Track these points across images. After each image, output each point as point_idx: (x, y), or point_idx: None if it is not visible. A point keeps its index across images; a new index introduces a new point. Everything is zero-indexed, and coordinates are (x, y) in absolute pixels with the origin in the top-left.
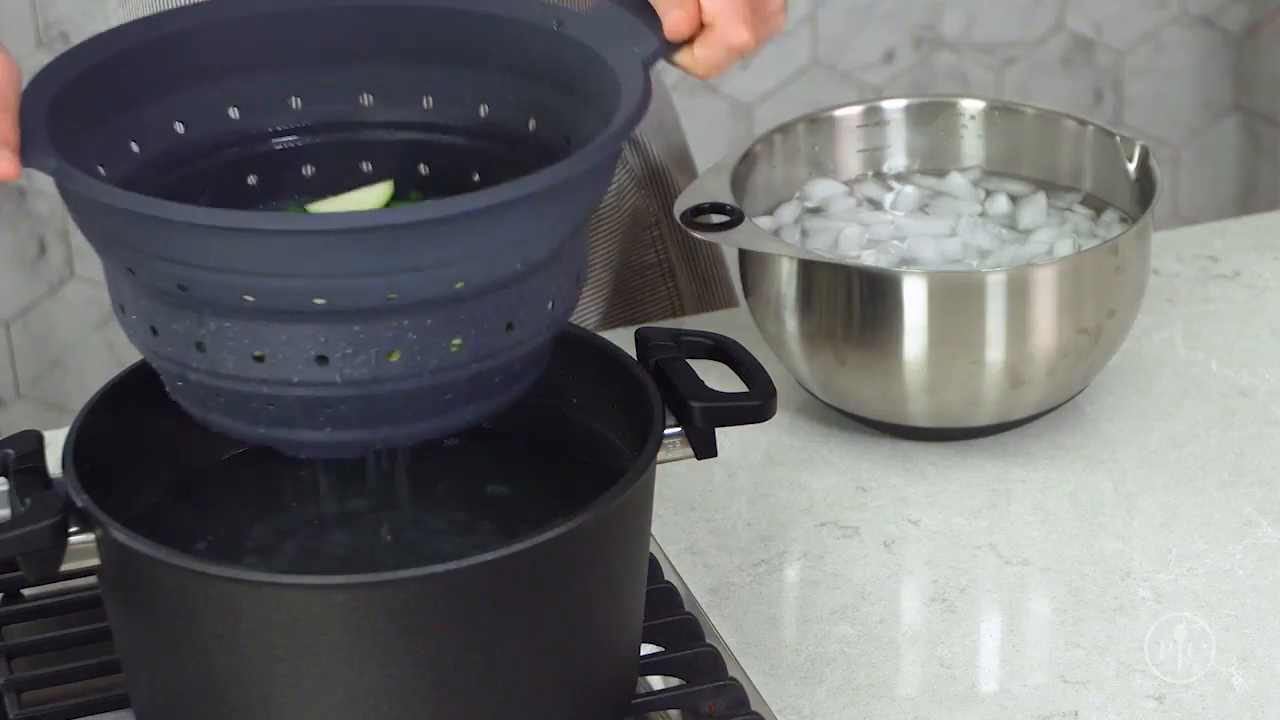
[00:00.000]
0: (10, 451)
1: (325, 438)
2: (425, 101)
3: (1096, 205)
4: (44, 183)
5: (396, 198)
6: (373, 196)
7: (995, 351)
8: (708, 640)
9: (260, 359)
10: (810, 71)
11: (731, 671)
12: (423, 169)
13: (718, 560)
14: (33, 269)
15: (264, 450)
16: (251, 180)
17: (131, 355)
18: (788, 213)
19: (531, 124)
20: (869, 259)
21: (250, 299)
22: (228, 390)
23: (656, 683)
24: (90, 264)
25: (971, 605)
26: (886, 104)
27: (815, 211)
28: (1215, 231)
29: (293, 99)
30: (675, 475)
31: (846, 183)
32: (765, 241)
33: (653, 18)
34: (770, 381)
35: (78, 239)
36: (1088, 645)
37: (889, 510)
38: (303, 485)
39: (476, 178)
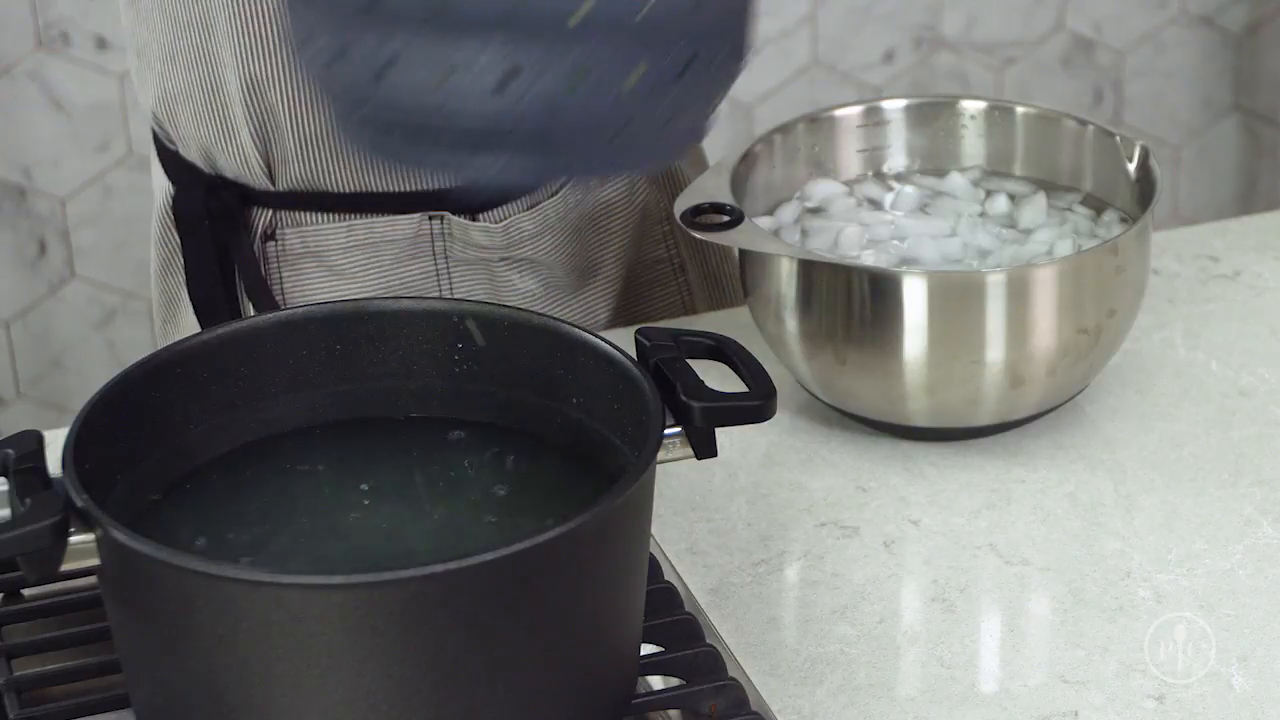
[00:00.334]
0: (10, 451)
1: (503, 165)
2: None
3: (1096, 205)
4: (44, 183)
5: None
6: None
7: (995, 351)
8: (708, 640)
9: (446, 79)
10: (810, 71)
11: (731, 671)
12: None
13: (718, 560)
14: (33, 269)
15: (264, 450)
16: None
17: (131, 355)
18: (788, 213)
19: None
20: (869, 259)
21: (441, 6)
22: (412, 112)
23: (656, 683)
24: (90, 264)
25: (971, 605)
26: (886, 104)
27: (815, 211)
28: (1215, 231)
29: None
30: (675, 475)
31: (846, 183)
32: (765, 241)
33: None
34: (770, 381)
35: (78, 239)
36: (1088, 645)
37: (889, 510)
38: (303, 485)
39: None
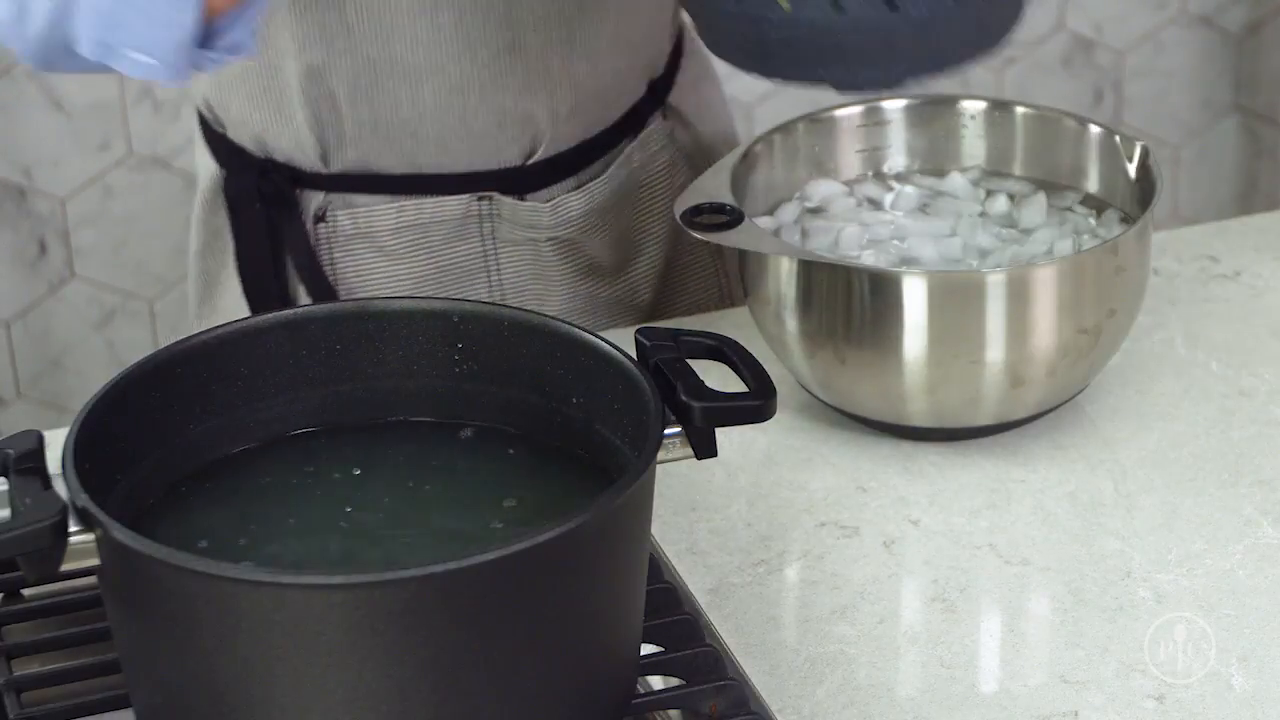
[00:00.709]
0: (10, 451)
1: (884, 74)
2: None
3: (1096, 205)
4: (44, 183)
5: None
6: None
7: (995, 351)
8: (708, 640)
9: (838, 5)
10: None
11: (731, 672)
12: None
13: (718, 560)
14: (33, 269)
15: (264, 450)
16: None
17: (131, 355)
18: (788, 213)
19: None
20: (869, 259)
21: None
22: (804, 38)
23: (656, 683)
24: (90, 264)
25: (971, 605)
26: (886, 104)
27: (815, 211)
28: (1215, 231)
29: None
30: (675, 475)
31: (846, 183)
32: (765, 241)
33: None
34: (770, 381)
35: (78, 239)
36: (1088, 645)
37: (889, 510)
38: (302, 485)
39: None
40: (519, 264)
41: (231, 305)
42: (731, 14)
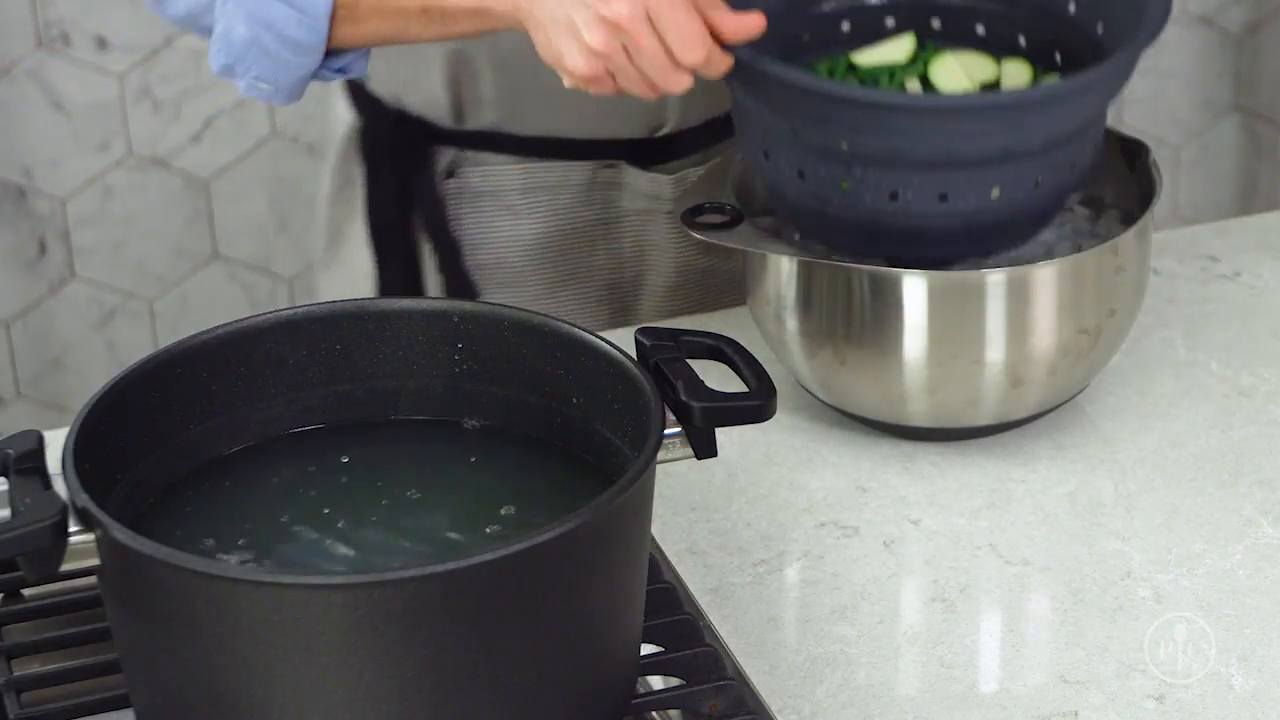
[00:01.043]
0: (10, 451)
1: (933, 253)
2: None
3: (1096, 205)
4: (44, 182)
5: (917, 47)
6: (901, 46)
7: (995, 351)
8: (708, 640)
9: (895, 197)
10: None
11: (731, 672)
12: (979, 29)
13: (718, 560)
14: (33, 269)
15: (264, 450)
16: (844, 28)
17: (131, 355)
18: None
19: (1071, 7)
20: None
21: (897, 148)
22: (863, 220)
23: (656, 683)
24: (90, 264)
25: (971, 605)
26: None
27: None
28: (1215, 231)
29: None
30: (675, 475)
31: None
32: (765, 242)
33: None
34: (770, 381)
35: (78, 239)
36: (1088, 645)
37: (889, 510)
38: (302, 484)
39: (1022, 41)
40: (637, 232)
41: (356, 255)
42: (798, 189)
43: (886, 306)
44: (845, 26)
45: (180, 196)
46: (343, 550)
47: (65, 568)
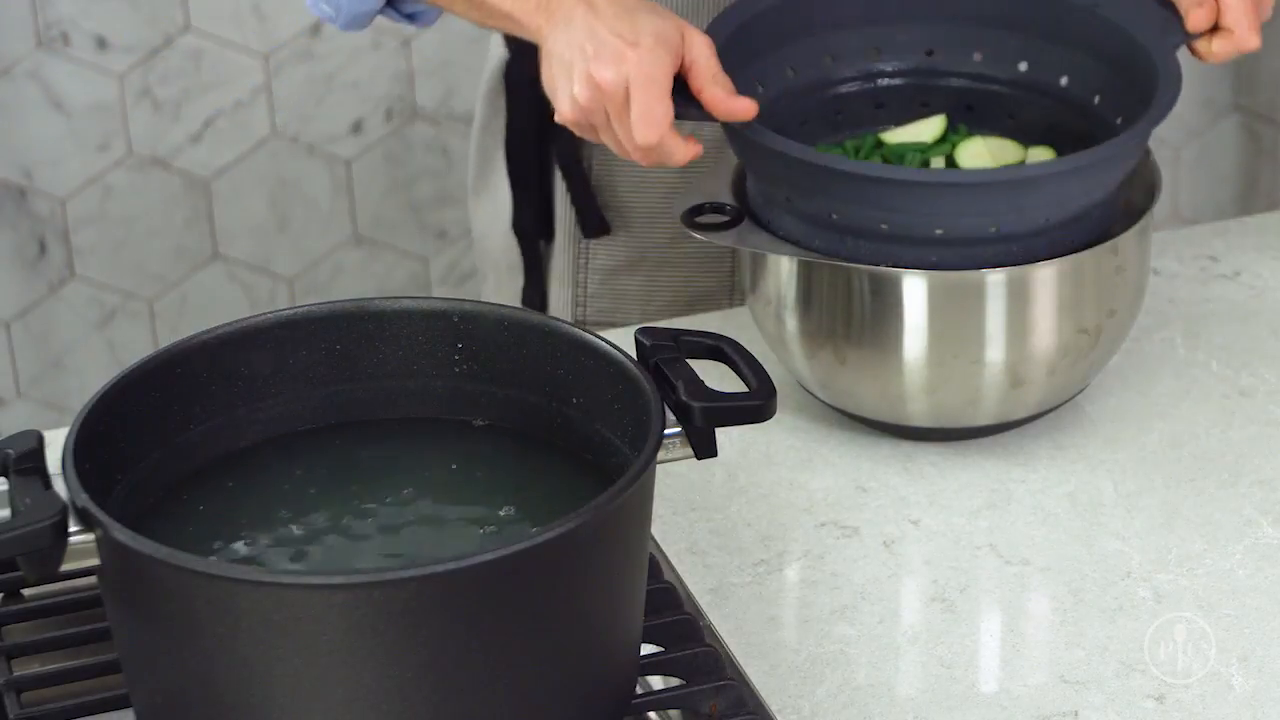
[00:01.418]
0: (10, 451)
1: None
2: (976, 56)
3: None
4: (44, 183)
5: (947, 130)
6: (930, 127)
7: (995, 351)
8: (707, 640)
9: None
10: None
11: (731, 672)
12: (969, 109)
13: (718, 560)
14: (33, 269)
15: (264, 450)
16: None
17: (131, 355)
18: None
19: (1064, 81)
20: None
21: (885, 227)
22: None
23: (656, 683)
24: (90, 264)
25: (971, 605)
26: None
27: None
28: (1215, 231)
29: (875, 50)
30: (675, 475)
31: None
32: (765, 241)
33: (1173, 10)
34: (770, 381)
35: (78, 239)
36: (1088, 645)
37: (889, 510)
38: (302, 485)
39: (1010, 120)
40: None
41: (500, 184)
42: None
43: (886, 306)
44: (878, 106)
45: (180, 196)
46: (343, 550)
47: (65, 568)
